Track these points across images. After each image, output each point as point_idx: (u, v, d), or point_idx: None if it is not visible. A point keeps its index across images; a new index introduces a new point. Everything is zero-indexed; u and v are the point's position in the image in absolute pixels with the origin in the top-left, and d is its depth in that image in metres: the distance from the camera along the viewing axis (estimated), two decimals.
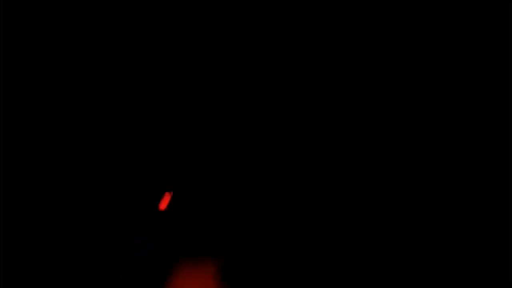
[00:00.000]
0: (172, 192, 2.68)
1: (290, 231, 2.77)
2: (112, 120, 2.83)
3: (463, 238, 2.68)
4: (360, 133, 2.81)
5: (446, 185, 2.73)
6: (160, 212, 2.72)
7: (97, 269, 2.72)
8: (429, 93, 2.79)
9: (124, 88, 2.84)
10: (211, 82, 2.85)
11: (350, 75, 2.83)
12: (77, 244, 2.74)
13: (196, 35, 2.85)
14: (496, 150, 2.70)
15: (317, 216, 2.77)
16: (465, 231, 2.68)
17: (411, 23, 2.79)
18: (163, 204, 2.71)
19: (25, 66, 2.79)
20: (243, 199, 2.78)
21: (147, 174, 2.82)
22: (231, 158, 2.83)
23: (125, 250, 2.75)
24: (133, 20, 2.83)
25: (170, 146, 2.83)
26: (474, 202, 2.70)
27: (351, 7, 2.81)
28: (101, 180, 2.80)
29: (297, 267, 2.72)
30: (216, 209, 2.79)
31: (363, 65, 2.82)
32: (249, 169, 2.81)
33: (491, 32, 2.74)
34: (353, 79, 2.83)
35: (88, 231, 2.76)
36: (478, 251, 2.65)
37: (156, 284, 2.72)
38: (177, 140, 2.84)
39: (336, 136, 2.81)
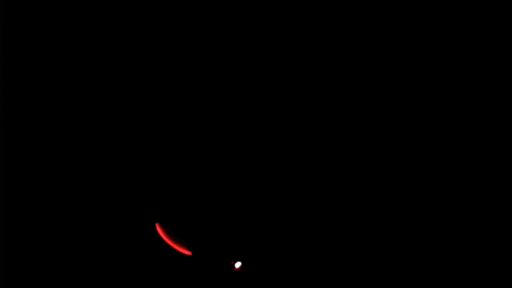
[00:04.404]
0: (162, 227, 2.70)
1: (290, 231, 2.77)
2: (111, 122, 2.83)
3: (463, 238, 2.69)
4: (360, 133, 2.81)
5: (446, 185, 2.73)
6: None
7: (97, 269, 2.73)
8: (429, 93, 2.79)
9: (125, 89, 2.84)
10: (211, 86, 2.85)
11: (350, 75, 2.83)
12: (77, 244, 2.74)
13: (196, 35, 2.85)
14: (496, 150, 2.70)
15: (317, 216, 2.78)
16: (465, 231, 2.69)
17: (411, 23, 2.80)
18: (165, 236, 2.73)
19: (25, 66, 2.79)
20: (243, 201, 2.79)
21: (146, 175, 2.82)
22: (230, 159, 2.83)
23: (125, 250, 2.75)
24: (133, 20, 2.83)
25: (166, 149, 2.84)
26: (474, 202, 2.70)
27: (351, 7, 2.81)
28: (101, 181, 2.80)
29: (297, 267, 2.73)
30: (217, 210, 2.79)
31: (363, 65, 2.82)
32: (249, 171, 2.81)
33: (491, 32, 2.74)
34: (353, 79, 2.83)
35: (89, 231, 2.76)
36: (478, 251, 2.66)
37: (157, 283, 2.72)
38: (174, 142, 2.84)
39: (336, 136, 2.81)
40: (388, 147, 2.78)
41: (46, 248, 2.73)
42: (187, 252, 2.69)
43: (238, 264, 2.61)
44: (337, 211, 2.77)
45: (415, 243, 2.70)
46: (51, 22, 2.78)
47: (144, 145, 2.82)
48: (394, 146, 2.78)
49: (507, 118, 2.68)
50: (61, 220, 2.75)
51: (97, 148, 2.80)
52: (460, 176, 2.73)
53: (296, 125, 2.83)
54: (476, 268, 2.63)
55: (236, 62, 2.84)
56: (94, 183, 2.78)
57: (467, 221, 2.69)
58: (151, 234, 2.75)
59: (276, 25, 2.83)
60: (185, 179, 2.80)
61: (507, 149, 2.66)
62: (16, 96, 2.76)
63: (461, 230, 2.69)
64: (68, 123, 2.80)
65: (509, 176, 2.64)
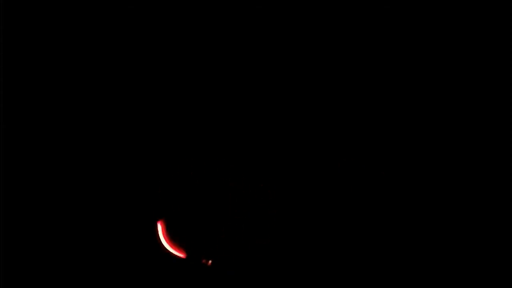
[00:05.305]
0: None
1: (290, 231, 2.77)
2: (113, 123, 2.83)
3: (463, 238, 2.68)
4: (359, 134, 2.81)
5: (447, 185, 2.73)
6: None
7: (98, 269, 2.73)
8: (429, 93, 2.79)
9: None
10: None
11: (350, 76, 2.83)
12: (78, 245, 2.74)
13: (196, 35, 2.85)
14: (496, 150, 2.70)
15: (317, 217, 2.78)
16: (465, 231, 2.69)
17: (411, 23, 2.80)
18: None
19: (25, 66, 2.79)
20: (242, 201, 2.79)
21: (145, 175, 2.82)
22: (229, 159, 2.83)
23: (126, 250, 2.75)
24: (133, 20, 2.83)
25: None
26: (474, 202, 2.70)
27: (352, 7, 2.81)
28: (100, 181, 2.80)
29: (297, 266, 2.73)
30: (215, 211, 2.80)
31: (363, 65, 2.82)
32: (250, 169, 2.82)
33: (491, 32, 2.74)
34: (353, 80, 2.83)
35: (89, 232, 2.76)
36: (478, 251, 2.65)
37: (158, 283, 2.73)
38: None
39: (336, 136, 2.81)
40: (388, 147, 2.78)
41: (46, 248, 2.73)
42: (182, 255, 2.69)
43: (209, 262, 2.63)
44: (336, 211, 2.77)
45: (415, 243, 2.70)
46: (51, 22, 2.79)
47: (143, 145, 2.83)
48: (394, 146, 2.78)
49: (507, 118, 2.67)
50: (61, 219, 2.75)
51: (97, 148, 2.80)
52: (460, 175, 2.73)
53: (295, 125, 2.84)
54: (476, 268, 2.63)
55: (236, 62, 2.85)
56: (94, 183, 2.78)
57: (467, 221, 2.69)
58: (150, 234, 2.76)
59: (276, 25, 2.84)
60: (183, 180, 2.80)
61: (507, 149, 2.66)
62: (16, 96, 2.77)
63: (461, 230, 2.69)
64: (68, 123, 2.81)
65: (509, 176, 2.64)
